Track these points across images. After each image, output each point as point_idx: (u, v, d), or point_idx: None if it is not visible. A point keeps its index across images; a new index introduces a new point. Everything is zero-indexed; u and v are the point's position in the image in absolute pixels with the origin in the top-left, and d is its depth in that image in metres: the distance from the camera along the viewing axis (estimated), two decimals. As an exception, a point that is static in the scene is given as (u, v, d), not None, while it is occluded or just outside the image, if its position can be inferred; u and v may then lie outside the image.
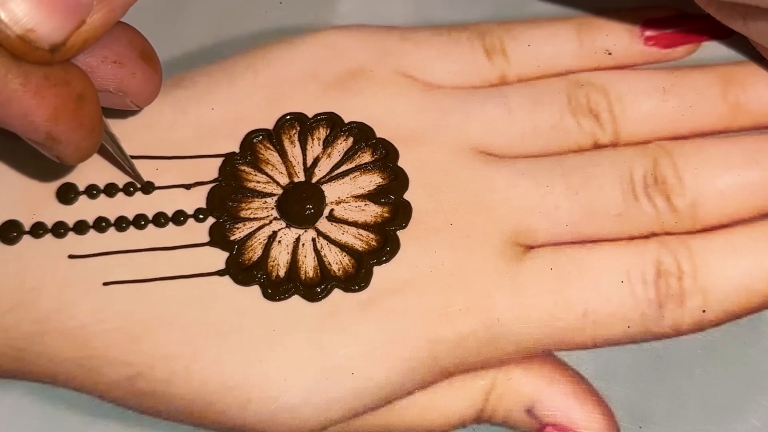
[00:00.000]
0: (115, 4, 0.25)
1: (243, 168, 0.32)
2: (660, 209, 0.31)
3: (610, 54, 0.34)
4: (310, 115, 0.33)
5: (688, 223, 0.31)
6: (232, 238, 0.31)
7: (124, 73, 0.29)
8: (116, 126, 0.32)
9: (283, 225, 0.31)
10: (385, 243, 0.31)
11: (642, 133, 0.32)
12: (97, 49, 0.28)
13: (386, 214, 0.31)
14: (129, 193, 0.32)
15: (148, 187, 0.32)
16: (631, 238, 0.31)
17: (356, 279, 0.30)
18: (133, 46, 0.29)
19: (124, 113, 0.32)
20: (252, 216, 0.31)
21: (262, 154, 0.32)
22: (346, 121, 0.33)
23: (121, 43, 0.29)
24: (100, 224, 0.31)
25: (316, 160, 0.32)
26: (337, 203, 0.32)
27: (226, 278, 0.31)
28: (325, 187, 0.32)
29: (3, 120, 0.26)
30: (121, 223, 0.31)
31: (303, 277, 0.30)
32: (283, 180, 0.32)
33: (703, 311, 0.30)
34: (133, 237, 0.31)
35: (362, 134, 0.33)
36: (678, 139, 0.32)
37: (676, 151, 0.32)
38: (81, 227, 0.31)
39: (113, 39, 0.29)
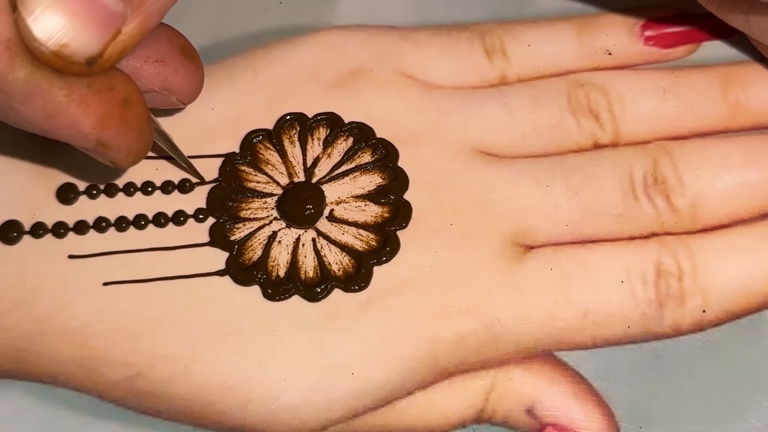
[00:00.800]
0: (150, 11, 0.25)
1: (243, 168, 0.32)
2: (660, 209, 0.31)
3: (610, 54, 0.34)
4: (310, 115, 0.33)
5: (688, 223, 0.31)
6: (232, 238, 0.31)
7: (168, 71, 0.29)
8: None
9: (283, 225, 0.31)
10: (385, 243, 0.31)
11: (642, 133, 0.32)
12: (138, 50, 0.28)
13: (386, 214, 0.31)
14: (129, 194, 0.32)
15: (204, 181, 0.32)
16: (631, 238, 0.31)
17: (356, 279, 0.30)
18: (173, 43, 0.29)
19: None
20: (252, 216, 0.31)
21: (262, 154, 0.32)
22: (346, 121, 0.33)
23: (161, 42, 0.29)
24: (100, 224, 0.31)
25: (316, 160, 0.32)
26: (337, 203, 0.32)
27: (226, 278, 0.30)
28: (325, 187, 0.32)
29: (52, 131, 0.26)
30: (121, 223, 0.31)
31: (303, 277, 0.30)
32: (283, 180, 0.32)
33: (703, 311, 0.30)
34: (133, 237, 0.31)
35: (362, 134, 0.33)
36: (678, 139, 0.32)
37: (676, 151, 0.32)
38: (81, 227, 0.31)
39: (153, 38, 0.28)
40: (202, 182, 0.32)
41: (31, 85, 0.24)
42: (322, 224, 0.31)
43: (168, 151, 0.31)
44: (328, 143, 0.33)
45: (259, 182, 0.32)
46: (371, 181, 0.32)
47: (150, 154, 0.31)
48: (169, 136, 0.31)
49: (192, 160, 0.32)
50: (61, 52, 0.24)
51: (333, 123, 0.33)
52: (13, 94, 0.25)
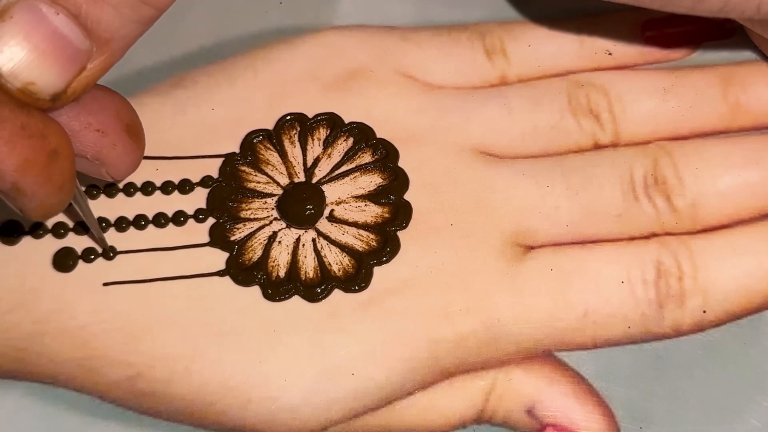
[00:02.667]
0: (114, 48, 0.25)
1: (243, 168, 0.32)
2: (660, 209, 0.31)
3: (610, 54, 0.34)
4: (310, 115, 0.33)
5: (689, 224, 0.31)
6: (233, 238, 0.31)
7: (105, 142, 0.28)
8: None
9: (284, 225, 0.31)
10: (385, 243, 0.31)
11: (642, 134, 0.32)
12: (82, 115, 0.27)
13: (386, 215, 0.31)
14: (129, 194, 0.32)
15: (109, 252, 0.31)
16: (632, 239, 0.31)
17: (356, 279, 0.30)
18: (120, 118, 0.28)
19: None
20: (252, 216, 0.31)
21: (263, 155, 0.32)
22: (347, 121, 0.33)
23: (109, 113, 0.28)
24: (100, 224, 0.31)
25: (317, 161, 0.32)
26: (338, 203, 0.32)
27: (227, 279, 0.31)
28: (325, 188, 0.32)
29: None
30: (121, 224, 0.31)
31: (303, 278, 0.30)
32: (284, 180, 0.32)
33: (704, 311, 0.30)
34: (133, 237, 0.31)
35: (362, 134, 0.33)
36: (678, 140, 0.32)
37: (677, 152, 0.32)
38: (80, 227, 0.31)
39: (101, 108, 0.28)
40: (107, 254, 0.31)
41: None
42: (322, 224, 0.31)
43: (81, 216, 0.30)
44: (328, 143, 0.33)
45: (259, 182, 0.32)
46: (371, 181, 0.32)
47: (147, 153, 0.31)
48: (87, 202, 0.30)
49: (192, 161, 0.32)
50: (27, 89, 0.24)
51: (333, 123, 0.33)
52: None
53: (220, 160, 0.32)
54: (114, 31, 0.25)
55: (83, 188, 0.30)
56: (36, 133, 0.25)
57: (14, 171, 0.25)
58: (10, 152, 0.25)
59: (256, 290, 0.30)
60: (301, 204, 0.31)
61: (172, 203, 0.32)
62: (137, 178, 0.32)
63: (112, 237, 0.31)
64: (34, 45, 0.24)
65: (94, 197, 0.32)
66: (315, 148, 0.33)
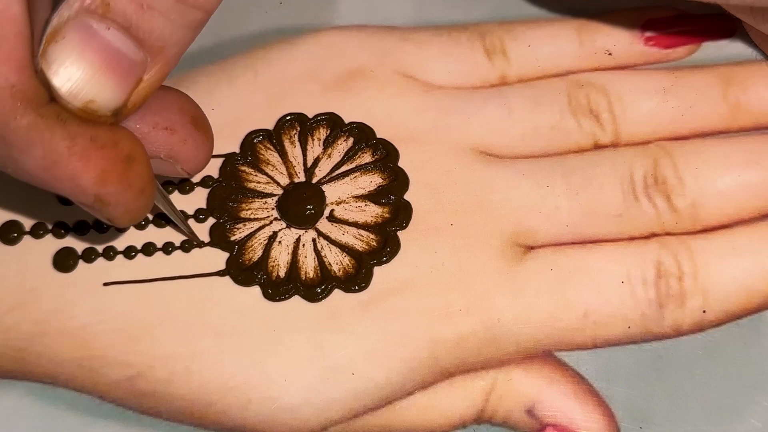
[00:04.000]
0: (168, 56, 0.25)
1: (243, 168, 0.32)
2: (660, 209, 0.31)
3: (610, 54, 0.34)
4: (310, 115, 0.33)
5: (689, 224, 0.31)
6: (233, 238, 0.31)
7: (175, 140, 0.28)
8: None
9: (284, 225, 0.31)
10: (385, 243, 0.31)
11: (642, 134, 0.32)
12: (148, 116, 0.27)
13: (386, 215, 0.31)
14: (129, 194, 0.32)
15: (202, 244, 0.31)
16: (632, 239, 0.31)
17: (356, 279, 0.30)
18: (184, 112, 0.28)
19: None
20: (252, 216, 0.31)
21: (263, 155, 0.32)
22: (347, 121, 0.33)
23: (173, 110, 0.28)
24: (101, 225, 0.31)
25: (317, 161, 0.32)
26: (338, 204, 0.32)
27: (227, 279, 0.31)
28: (325, 188, 0.32)
29: (50, 183, 0.25)
30: (121, 224, 0.31)
31: (303, 278, 0.30)
32: (284, 180, 0.32)
33: (704, 312, 0.30)
34: (133, 238, 0.31)
35: (362, 134, 0.33)
36: (678, 140, 0.32)
37: (677, 152, 0.32)
38: (81, 228, 0.31)
39: (164, 106, 0.28)
40: (200, 245, 0.31)
41: (33, 135, 0.24)
42: (323, 224, 0.31)
43: (167, 214, 0.30)
44: (328, 143, 0.33)
45: (259, 182, 0.32)
46: (371, 181, 0.32)
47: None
48: (170, 200, 0.30)
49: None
50: (88, 108, 0.24)
51: (333, 123, 0.33)
52: (14, 143, 0.24)
53: (220, 160, 0.32)
54: (166, 39, 0.24)
55: (163, 191, 0.30)
56: (107, 143, 0.25)
57: (94, 184, 0.25)
58: (86, 166, 0.25)
59: (256, 290, 0.30)
60: (302, 204, 0.31)
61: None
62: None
63: (111, 237, 0.31)
64: (90, 62, 0.24)
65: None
66: (315, 148, 0.33)
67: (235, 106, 0.33)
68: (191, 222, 0.31)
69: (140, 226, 0.31)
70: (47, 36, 0.23)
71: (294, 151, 0.32)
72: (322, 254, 0.31)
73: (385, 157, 0.32)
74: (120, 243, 0.31)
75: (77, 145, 0.24)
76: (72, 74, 0.24)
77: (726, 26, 0.34)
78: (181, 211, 0.31)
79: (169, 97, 0.28)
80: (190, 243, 0.31)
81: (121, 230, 0.31)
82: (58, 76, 0.24)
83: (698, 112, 0.33)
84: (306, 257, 0.31)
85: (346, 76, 0.34)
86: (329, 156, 0.32)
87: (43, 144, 0.24)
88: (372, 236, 0.31)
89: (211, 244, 0.31)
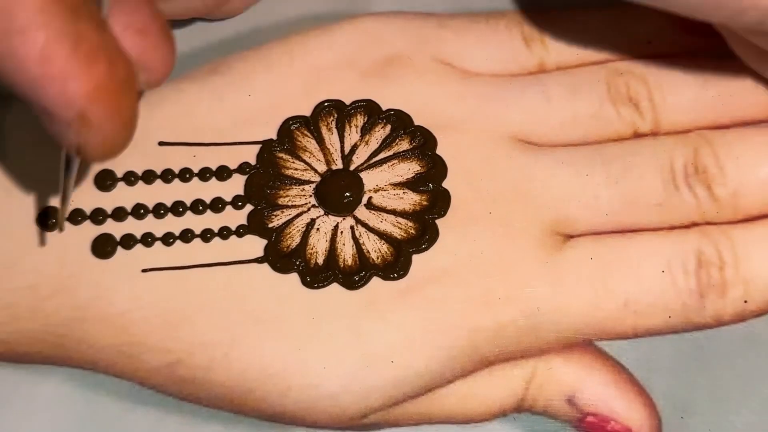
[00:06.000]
0: None
1: (281, 155, 0.32)
2: (701, 199, 0.31)
3: (649, 43, 0.34)
4: (347, 102, 0.33)
5: (730, 213, 0.31)
6: (270, 225, 0.31)
7: (147, 44, 0.26)
8: (153, 111, 0.32)
9: (321, 212, 0.31)
10: (423, 231, 0.31)
11: (682, 122, 0.32)
12: (122, 16, 0.25)
13: (425, 202, 0.31)
14: (167, 180, 0.32)
15: (60, 230, 0.30)
16: (672, 228, 0.31)
17: (395, 267, 0.30)
18: (156, 18, 0.26)
19: (161, 99, 0.32)
20: (290, 203, 0.31)
21: (300, 141, 0.32)
22: (384, 108, 0.33)
23: (145, 13, 0.26)
24: (139, 211, 0.31)
25: (354, 148, 0.32)
26: (375, 191, 0.32)
27: (265, 266, 0.30)
28: (363, 175, 0.32)
29: (36, 81, 0.23)
30: (159, 210, 0.31)
31: (342, 265, 0.30)
32: (321, 167, 0.32)
33: (745, 302, 0.30)
34: (171, 224, 0.31)
35: (400, 122, 0.33)
36: (719, 128, 0.32)
37: (717, 140, 0.32)
38: (119, 214, 0.31)
39: (137, 6, 0.26)
40: (60, 230, 0.30)
41: (42, 18, 0.22)
42: (361, 212, 0.31)
43: (61, 183, 0.28)
44: (365, 130, 0.33)
45: (296, 169, 0.32)
46: (409, 168, 0.32)
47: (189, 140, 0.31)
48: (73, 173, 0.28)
49: (229, 147, 0.32)
50: None
51: (371, 110, 0.33)
52: (18, 19, 0.22)
53: (257, 147, 0.32)
54: None
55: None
56: (110, 58, 0.24)
57: (84, 95, 0.23)
58: (82, 72, 0.23)
59: (294, 277, 0.30)
60: (340, 191, 0.31)
61: (210, 190, 0.32)
62: (175, 164, 0.32)
63: (149, 223, 0.31)
64: None
65: (131, 184, 0.32)
66: (353, 135, 0.32)
67: (272, 92, 0.33)
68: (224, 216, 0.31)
69: (179, 213, 0.31)
70: None
71: (331, 138, 0.32)
72: (361, 242, 0.31)
73: (423, 144, 0.32)
74: (158, 229, 0.31)
75: (82, 48, 0.23)
76: None
77: None
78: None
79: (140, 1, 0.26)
80: (229, 230, 0.31)
81: (159, 217, 0.31)
82: None
83: (739, 101, 0.32)
84: (344, 245, 0.31)
85: (383, 62, 0.34)
86: (367, 143, 0.32)
87: (47, 31, 0.22)
88: (410, 224, 0.31)
89: (249, 231, 0.31)
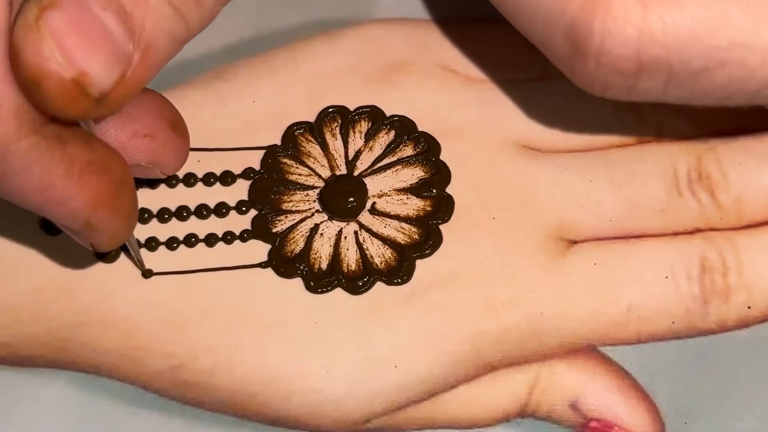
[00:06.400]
0: (152, 61, 0.24)
1: (285, 160, 0.32)
2: (704, 205, 0.31)
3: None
4: (351, 108, 0.33)
5: (733, 219, 0.31)
6: (274, 230, 0.31)
7: (156, 146, 0.28)
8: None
9: (325, 218, 0.31)
10: (427, 236, 0.31)
11: (686, 129, 0.32)
12: (128, 124, 0.27)
13: (428, 208, 0.31)
14: (171, 185, 0.32)
15: (147, 273, 0.31)
16: (675, 234, 0.31)
17: (399, 272, 0.30)
18: (163, 116, 0.28)
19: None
20: (294, 208, 0.31)
21: (304, 147, 0.32)
22: (388, 114, 0.33)
23: (152, 115, 0.28)
24: (143, 215, 0.31)
25: (358, 153, 0.32)
26: (379, 196, 0.32)
27: (269, 270, 0.31)
28: (367, 180, 0.32)
29: (42, 206, 0.25)
30: (164, 214, 0.31)
31: (345, 270, 0.30)
32: (325, 173, 0.32)
33: (749, 307, 0.30)
34: (175, 229, 0.31)
35: (404, 127, 0.33)
36: (722, 135, 0.32)
37: (721, 147, 0.32)
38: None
39: (144, 112, 0.28)
40: (146, 275, 0.31)
41: (34, 156, 0.23)
42: (364, 217, 0.31)
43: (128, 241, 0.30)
44: (369, 136, 0.33)
45: (300, 174, 0.32)
46: (413, 174, 0.32)
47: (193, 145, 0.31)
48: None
49: (233, 152, 0.32)
50: (81, 80, 0.22)
51: (375, 116, 0.33)
52: (12, 163, 0.23)
53: (261, 152, 0.32)
54: (154, 41, 0.23)
55: None
56: (103, 167, 0.25)
57: (87, 208, 0.25)
58: (81, 189, 0.25)
59: (298, 282, 0.30)
60: (343, 196, 0.31)
61: (214, 195, 0.32)
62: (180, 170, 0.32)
63: (154, 228, 0.31)
64: (86, 34, 0.23)
65: (136, 188, 0.32)
66: (357, 141, 0.33)
67: (276, 98, 0.33)
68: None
69: (182, 218, 0.31)
70: (43, 4, 0.22)
71: (335, 144, 0.32)
72: (364, 247, 0.31)
73: (427, 150, 0.32)
74: (162, 234, 0.31)
75: (75, 168, 0.24)
76: (69, 42, 0.22)
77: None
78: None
79: (146, 102, 0.28)
80: (233, 235, 0.31)
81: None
82: (56, 41, 0.22)
83: (743, 108, 0.32)
84: (348, 250, 0.31)
85: (387, 69, 0.34)
86: (371, 149, 0.32)
87: (41, 165, 0.24)
88: (414, 229, 0.31)
89: (253, 235, 0.31)
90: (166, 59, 0.24)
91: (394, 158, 0.32)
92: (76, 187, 0.24)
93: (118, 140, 0.27)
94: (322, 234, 0.31)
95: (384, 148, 0.32)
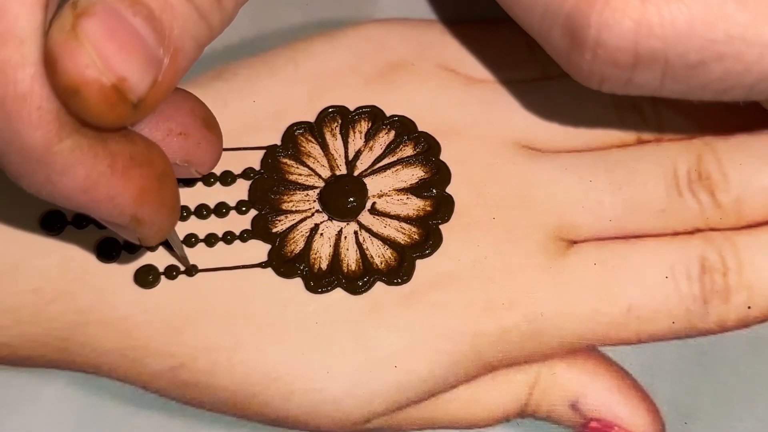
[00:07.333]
0: (180, 64, 0.24)
1: (285, 160, 0.32)
2: (704, 205, 0.31)
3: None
4: (351, 108, 0.33)
5: (733, 219, 0.31)
6: (274, 230, 0.31)
7: (190, 144, 0.28)
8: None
9: (325, 218, 0.31)
10: (427, 236, 0.31)
11: (686, 128, 0.32)
12: (162, 123, 0.27)
13: (428, 208, 0.31)
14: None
15: (191, 271, 0.31)
16: (675, 234, 0.31)
17: (399, 272, 0.30)
18: (196, 114, 0.29)
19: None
20: (294, 208, 0.31)
21: (304, 147, 0.32)
22: (388, 114, 0.33)
23: (185, 113, 0.28)
24: (143, 215, 0.31)
25: (358, 153, 0.32)
26: (379, 196, 0.32)
27: (269, 270, 0.31)
28: (367, 180, 0.32)
29: (87, 205, 0.25)
30: (164, 215, 0.31)
31: (345, 270, 0.30)
32: (325, 173, 0.32)
33: (749, 307, 0.30)
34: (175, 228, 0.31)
35: (404, 127, 0.33)
36: (722, 135, 0.32)
37: (721, 147, 0.32)
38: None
39: (176, 110, 0.28)
40: (190, 273, 0.31)
41: (76, 155, 0.24)
42: (364, 217, 0.31)
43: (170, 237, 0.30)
44: (369, 136, 0.33)
45: (300, 175, 0.32)
46: (413, 174, 0.32)
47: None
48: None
49: (234, 152, 0.32)
50: (120, 86, 0.23)
51: (375, 116, 0.33)
52: (55, 165, 0.23)
53: (261, 152, 0.32)
54: (181, 45, 0.24)
55: None
56: (145, 161, 0.25)
57: (133, 203, 0.25)
58: (126, 185, 0.25)
59: (298, 282, 0.30)
60: (343, 196, 0.31)
61: (214, 195, 0.32)
62: (179, 169, 0.32)
63: (153, 228, 0.31)
64: (121, 41, 0.23)
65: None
66: (357, 141, 0.33)
67: (276, 98, 0.33)
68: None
69: (183, 218, 0.31)
70: (78, 12, 0.22)
71: (335, 144, 0.32)
72: (364, 247, 0.31)
73: (427, 150, 0.32)
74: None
75: (118, 164, 0.24)
76: (106, 49, 0.22)
77: None
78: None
79: (178, 100, 0.28)
80: (233, 235, 0.31)
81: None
82: (95, 49, 0.22)
83: (743, 108, 0.32)
84: (348, 250, 0.31)
85: (387, 69, 0.34)
86: (371, 149, 0.32)
87: (85, 164, 0.24)
88: (414, 229, 0.31)
89: (253, 235, 0.31)
90: (192, 62, 0.25)
91: (394, 158, 0.32)
92: (121, 183, 0.25)
93: (153, 139, 0.27)
94: (322, 234, 0.31)
95: (384, 148, 0.32)
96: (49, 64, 0.22)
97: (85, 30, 0.22)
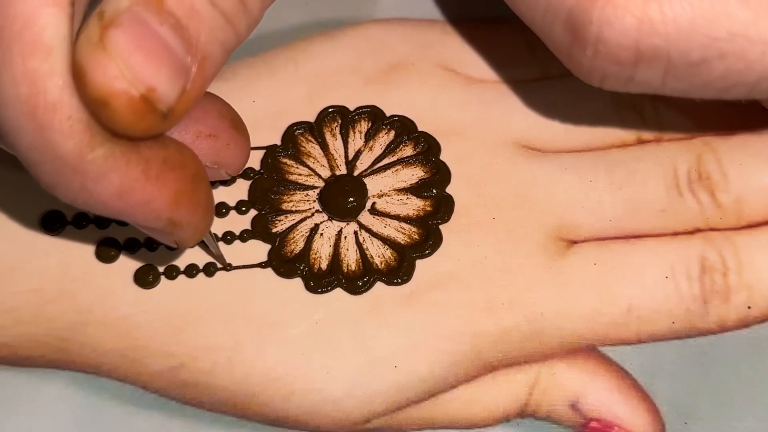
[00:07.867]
0: (207, 71, 0.24)
1: (285, 160, 0.32)
2: (704, 205, 0.31)
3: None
4: (351, 108, 0.33)
5: (733, 219, 0.31)
6: (274, 230, 0.31)
7: (219, 145, 0.28)
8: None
9: (325, 218, 0.31)
10: (427, 236, 0.31)
11: (686, 128, 0.32)
12: (191, 125, 0.27)
13: (428, 208, 0.31)
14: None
15: (229, 267, 0.31)
16: (675, 234, 0.31)
17: (399, 272, 0.30)
18: (223, 116, 0.29)
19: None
20: (294, 208, 0.31)
21: (304, 147, 0.32)
22: (388, 114, 0.33)
23: (213, 116, 0.28)
24: (143, 215, 0.31)
25: (358, 153, 0.32)
26: (379, 196, 0.32)
27: (269, 270, 0.31)
28: (367, 180, 0.32)
29: (123, 211, 0.25)
30: (164, 215, 0.31)
31: (345, 270, 0.30)
32: (325, 173, 0.32)
33: (749, 307, 0.30)
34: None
35: (404, 127, 0.33)
36: (722, 135, 0.32)
37: (721, 147, 0.32)
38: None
39: (205, 112, 0.28)
40: (227, 268, 0.31)
41: (110, 163, 0.23)
42: (364, 217, 0.31)
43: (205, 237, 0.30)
44: (369, 136, 0.33)
45: (300, 175, 0.32)
46: (413, 174, 0.32)
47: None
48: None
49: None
50: (150, 96, 0.23)
51: (375, 116, 0.33)
52: (89, 174, 0.23)
53: (261, 152, 0.32)
54: (208, 52, 0.24)
55: None
56: (177, 164, 0.25)
57: (168, 207, 0.25)
58: (161, 189, 0.25)
59: (298, 282, 0.30)
60: (343, 196, 0.31)
61: (214, 194, 0.31)
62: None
63: (153, 228, 0.31)
64: (148, 50, 0.23)
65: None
66: (357, 141, 0.33)
67: (276, 98, 0.33)
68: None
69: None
70: (105, 23, 0.23)
71: (335, 144, 0.32)
72: (364, 247, 0.31)
73: (427, 150, 0.32)
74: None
75: (152, 168, 0.24)
76: (135, 59, 0.22)
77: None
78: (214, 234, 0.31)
79: (206, 103, 0.28)
80: (233, 235, 0.31)
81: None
82: (123, 60, 0.22)
83: (742, 108, 0.33)
84: (348, 250, 0.31)
85: (387, 69, 0.34)
86: (371, 149, 0.32)
87: (119, 171, 0.24)
88: (414, 229, 0.31)
89: (253, 235, 0.31)
90: (219, 68, 0.24)
91: (394, 158, 0.32)
92: (156, 187, 0.25)
93: (183, 141, 0.27)
94: (322, 234, 0.31)
95: (384, 148, 0.32)
96: (78, 76, 0.22)
97: (112, 41, 0.22)
